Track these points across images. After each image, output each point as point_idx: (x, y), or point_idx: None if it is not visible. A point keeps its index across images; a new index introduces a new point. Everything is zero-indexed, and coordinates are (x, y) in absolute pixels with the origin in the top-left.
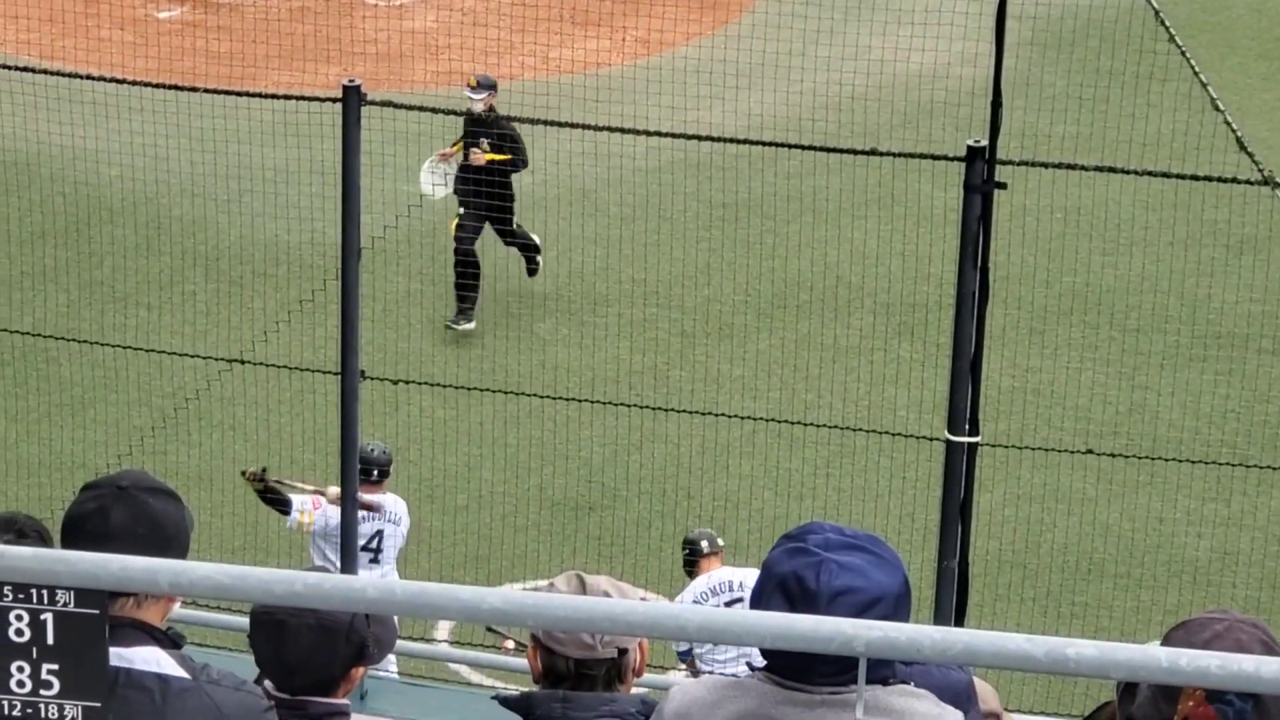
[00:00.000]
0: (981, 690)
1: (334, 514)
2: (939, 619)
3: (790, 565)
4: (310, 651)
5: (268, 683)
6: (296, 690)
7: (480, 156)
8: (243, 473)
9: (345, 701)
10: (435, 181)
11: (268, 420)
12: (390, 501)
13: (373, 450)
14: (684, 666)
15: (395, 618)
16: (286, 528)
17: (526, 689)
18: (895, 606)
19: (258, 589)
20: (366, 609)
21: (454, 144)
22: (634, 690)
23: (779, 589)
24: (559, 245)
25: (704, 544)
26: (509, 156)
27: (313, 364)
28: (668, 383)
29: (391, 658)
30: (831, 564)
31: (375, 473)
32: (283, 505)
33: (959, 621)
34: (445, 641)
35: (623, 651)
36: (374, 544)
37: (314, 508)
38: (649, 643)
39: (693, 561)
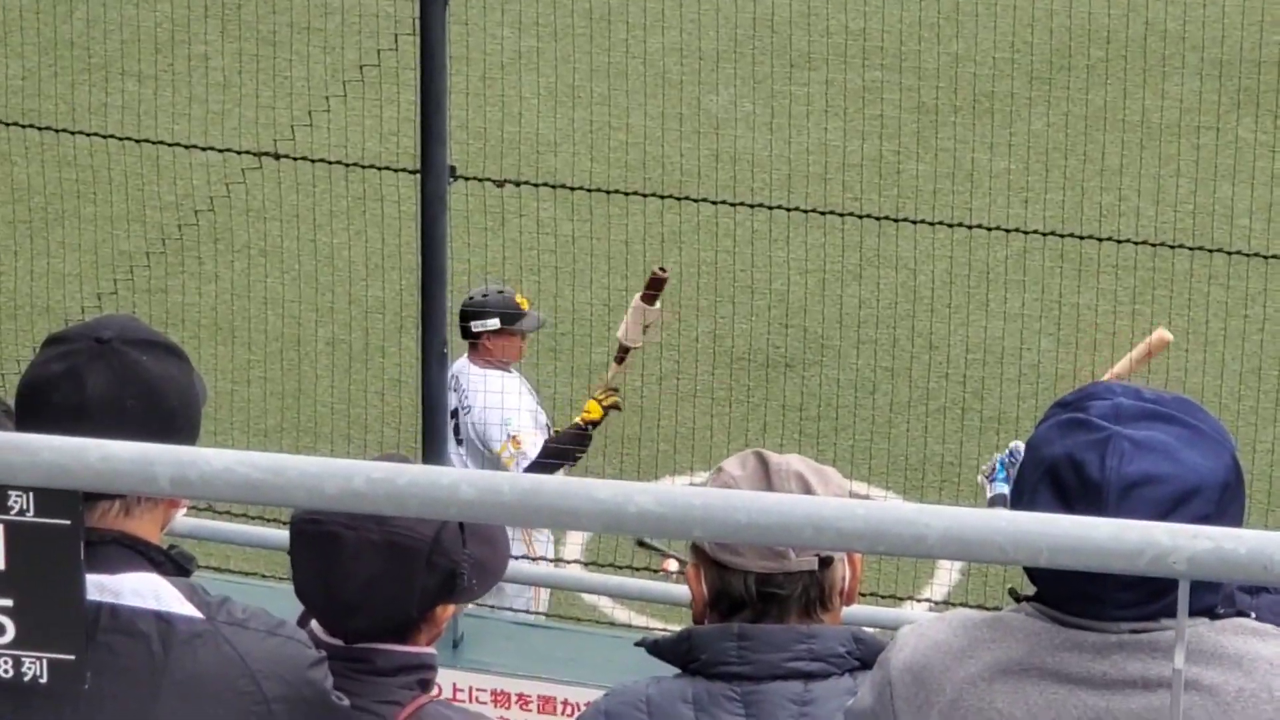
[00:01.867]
0: None
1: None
2: None
3: (1064, 445)
4: (376, 580)
5: (315, 624)
6: (356, 635)
7: None
8: (598, 400)
9: (429, 651)
10: None
11: (314, 241)
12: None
13: (479, 293)
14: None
15: (506, 531)
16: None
17: (688, 627)
18: (1220, 502)
19: (300, 487)
20: (459, 515)
21: None
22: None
23: (1048, 479)
24: None
25: None
26: None
27: (380, 158)
28: (898, 180)
29: (534, 593)
30: (1123, 441)
31: (472, 326)
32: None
33: None
34: (576, 563)
35: (826, 562)
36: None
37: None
38: (864, 557)
39: None
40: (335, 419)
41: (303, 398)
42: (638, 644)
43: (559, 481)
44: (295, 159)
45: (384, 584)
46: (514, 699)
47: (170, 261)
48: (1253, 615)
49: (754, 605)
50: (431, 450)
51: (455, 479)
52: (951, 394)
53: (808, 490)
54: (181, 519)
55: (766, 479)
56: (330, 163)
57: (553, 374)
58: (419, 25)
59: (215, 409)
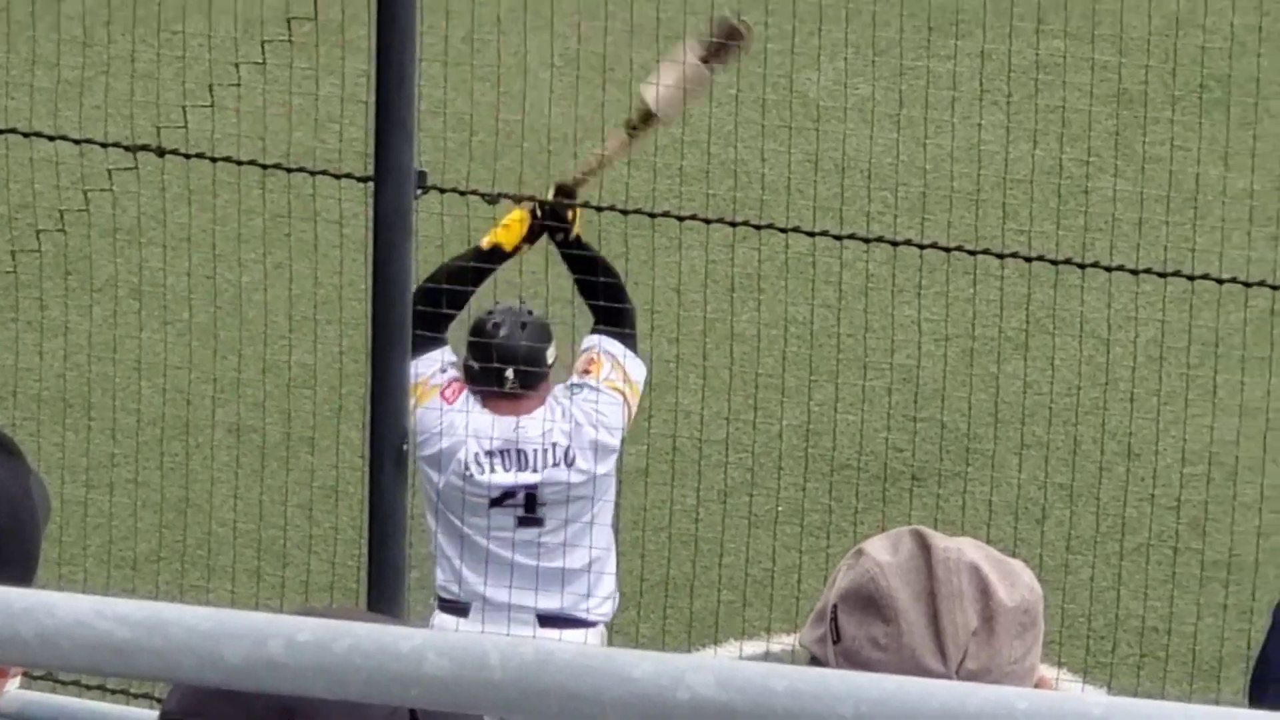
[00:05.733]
0: None
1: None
2: None
3: None
4: None
5: None
6: None
7: None
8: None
9: None
10: None
11: (211, 278)
12: (539, 421)
13: (498, 324)
14: None
15: None
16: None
17: None
18: None
19: (188, 651)
20: (424, 699)
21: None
22: None
23: None
24: None
25: None
26: None
27: (314, 158)
28: None
29: None
30: None
31: (509, 374)
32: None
33: None
34: None
35: None
36: (510, 525)
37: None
38: None
39: None
40: (241, 546)
41: (192, 512)
42: None
43: (572, 653)
44: (188, 155)
45: None
46: None
47: None
48: None
49: None
50: (383, 597)
51: (420, 644)
52: None
53: (985, 592)
54: (14, 692)
55: (926, 570)
56: (239, 163)
57: None
58: None
59: (60, 528)
